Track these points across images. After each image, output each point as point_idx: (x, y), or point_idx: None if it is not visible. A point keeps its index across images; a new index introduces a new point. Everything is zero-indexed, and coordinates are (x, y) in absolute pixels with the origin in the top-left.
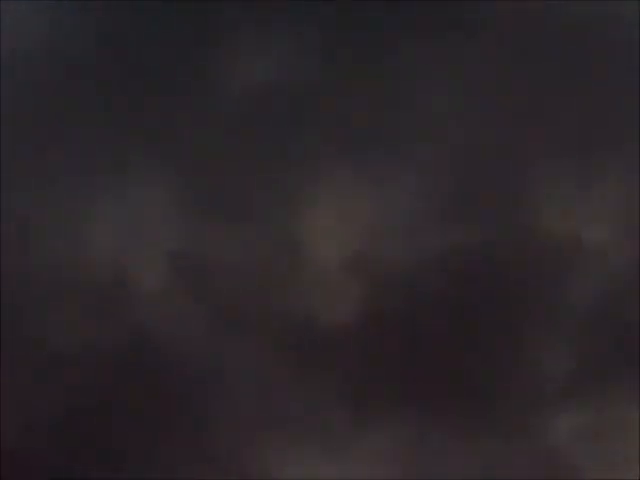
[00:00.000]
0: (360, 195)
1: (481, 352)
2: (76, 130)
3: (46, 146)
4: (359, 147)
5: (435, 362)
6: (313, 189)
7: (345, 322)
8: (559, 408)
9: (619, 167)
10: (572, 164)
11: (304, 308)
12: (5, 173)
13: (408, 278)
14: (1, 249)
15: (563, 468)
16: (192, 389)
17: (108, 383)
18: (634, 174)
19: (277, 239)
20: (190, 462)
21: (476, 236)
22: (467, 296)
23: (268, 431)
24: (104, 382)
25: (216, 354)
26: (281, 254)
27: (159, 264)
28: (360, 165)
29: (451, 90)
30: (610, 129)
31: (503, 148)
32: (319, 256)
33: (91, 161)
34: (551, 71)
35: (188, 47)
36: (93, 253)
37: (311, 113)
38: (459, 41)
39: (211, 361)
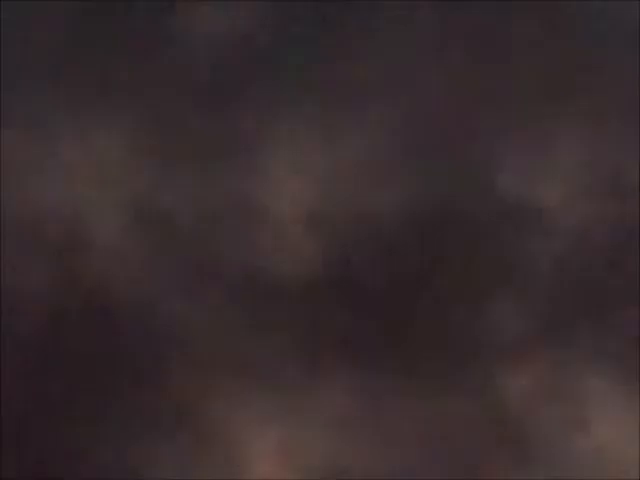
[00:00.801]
0: (314, 149)
1: (436, 309)
2: (33, 72)
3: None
4: (314, 101)
5: (389, 317)
6: (268, 142)
7: (302, 279)
8: (513, 368)
9: (571, 133)
10: (527, 130)
11: (261, 264)
12: None
13: (363, 232)
14: None
15: (515, 427)
16: (148, 340)
17: (62, 332)
18: (585, 139)
19: (231, 190)
20: (144, 414)
21: (431, 193)
22: (423, 253)
23: (222, 382)
24: (58, 332)
25: (172, 305)
26: (235, 206)
27: (114, 212)
28: (314, 119)
29: (420, 50)
30: (563, 100)
31: (462, 111)
32: (274, 210)
33: (47, 105)
34: (509, 47)
35: None
36: (48, 200)
37: (265, 67)
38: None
39: (167, 311)
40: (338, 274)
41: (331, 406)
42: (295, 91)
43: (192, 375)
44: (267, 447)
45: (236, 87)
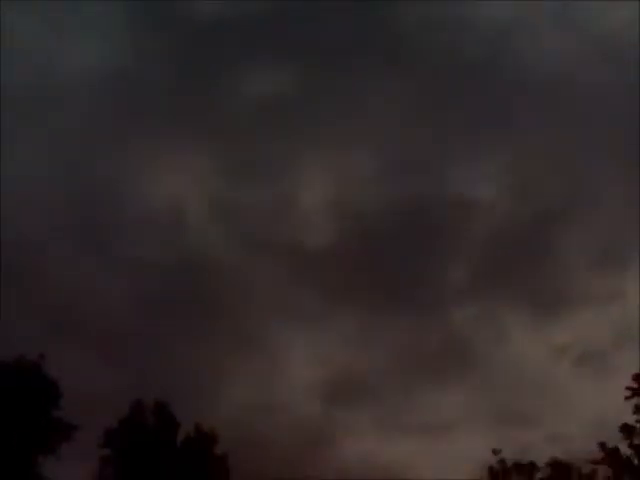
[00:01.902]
0: (336, 164)
1: (412, 267)
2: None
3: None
4: (335, 140)
5: (383, 272)
6: (304, 159)
7: (324, 247)
8: (458, 303)
9: (506, 145)
10: (465, 143)
11: (297, 237)
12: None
13: (367, 218)
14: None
15: (459, 341)
16: (224, 289)
17: (171, 283)
18: (516, 150)
19: (281, 189)
20: (219, 334)
21: (409, 191)
22: (404, 230)
23: (274, 316)
24: (171, 281)
25: (238, 267)
26: (283, 199)
27: (203, 205)
28: (334, 146)
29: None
30: (498, 122)
31: (433, 135)
32: (308, 201)
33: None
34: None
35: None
36: (160, 197)
37: (299, 116)
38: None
39: (235, 270)
40: (348, 245)
41: (343, 327)
42: (322, 134)
43: (255, 310)
44: (303, 356)
45: (285, 127)
